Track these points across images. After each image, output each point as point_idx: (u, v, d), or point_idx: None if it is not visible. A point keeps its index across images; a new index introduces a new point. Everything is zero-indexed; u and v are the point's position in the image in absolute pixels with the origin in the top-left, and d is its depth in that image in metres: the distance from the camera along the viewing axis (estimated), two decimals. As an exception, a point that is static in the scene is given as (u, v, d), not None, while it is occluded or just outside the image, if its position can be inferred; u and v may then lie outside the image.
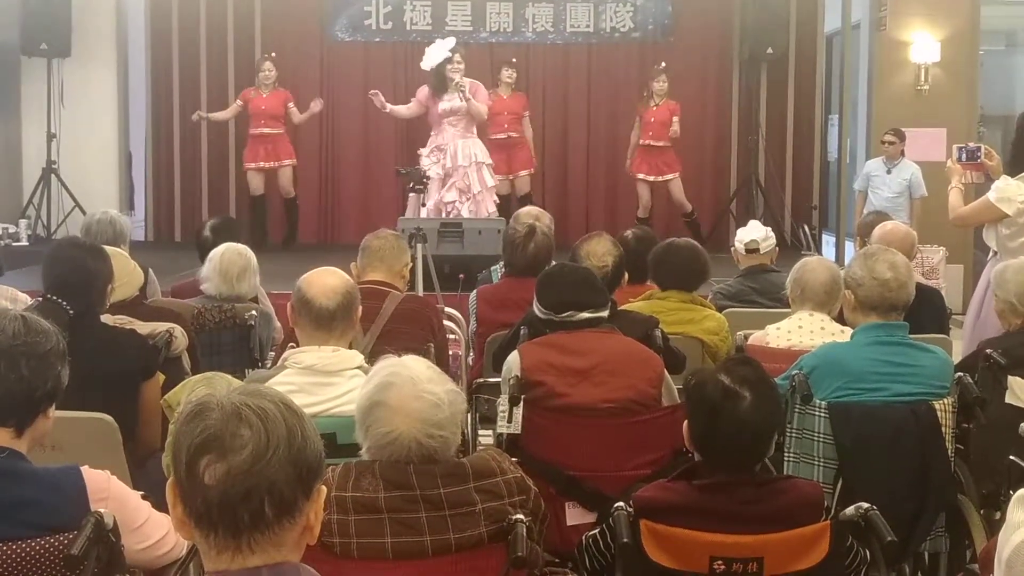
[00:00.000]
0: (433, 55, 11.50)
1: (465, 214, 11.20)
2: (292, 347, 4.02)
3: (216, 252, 5.86)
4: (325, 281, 3.99)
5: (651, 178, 12.68)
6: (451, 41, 11.70)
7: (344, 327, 3.96)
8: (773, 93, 14.09)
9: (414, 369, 2.92)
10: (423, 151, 11.68)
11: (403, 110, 11.96)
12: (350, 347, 4.11)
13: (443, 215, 11.14)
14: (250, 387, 1.96)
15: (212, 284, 5.78)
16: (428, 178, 10.71)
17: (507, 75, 12.44)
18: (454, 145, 11.42)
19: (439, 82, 11.45)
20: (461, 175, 11.41)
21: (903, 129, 11.78)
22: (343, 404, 3.67)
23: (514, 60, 12.71)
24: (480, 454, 3.01)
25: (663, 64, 12.79)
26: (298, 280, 4.05)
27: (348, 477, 2.86)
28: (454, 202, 11.34)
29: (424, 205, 10.66)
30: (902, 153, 11.69)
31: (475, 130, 11.65)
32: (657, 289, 5.66)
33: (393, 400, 2.84)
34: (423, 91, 11.72)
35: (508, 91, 12.43)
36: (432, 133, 11.72)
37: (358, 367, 3.81)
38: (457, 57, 11.43)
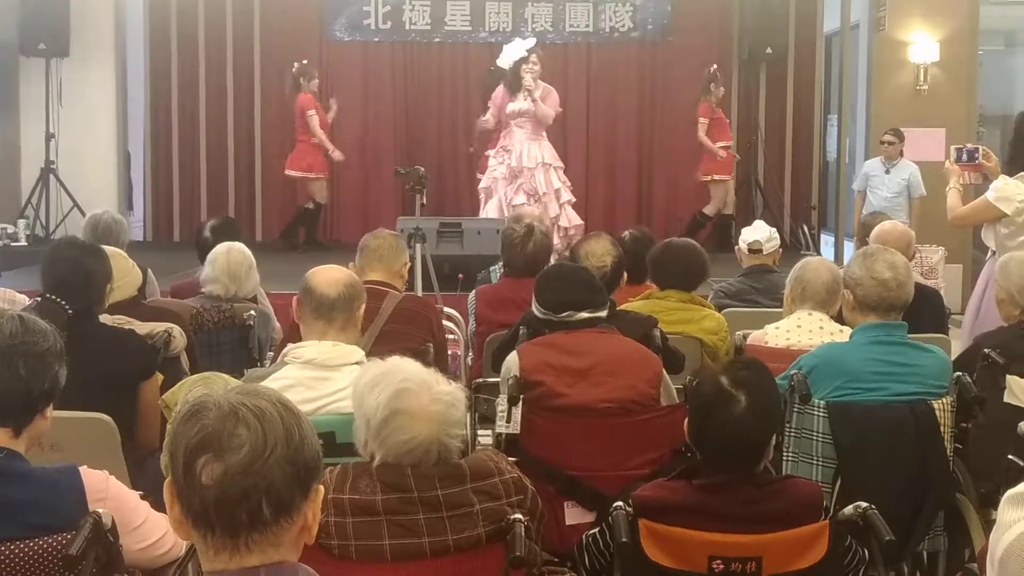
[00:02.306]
0: (510, 53, 11.41)
1: None
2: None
3: (219, 253, 5.85)
4: (329, 273, 4.06)
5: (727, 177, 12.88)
6: (531, 41, 11.61)
7: (345, 319, 3.97)
8: (772, 93, 14.10)
9: (419, 372, 2.92)
10: (490, 151, 11.60)
11: (489, 120, 11.74)
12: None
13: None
14: (247, 387, 1.96)
15: (221, 285, 5.77)
16: (426, 179, 10.67)
17: None
18: (521, 146, 11.34)
19: (515, 81, 11.36)
20: (527, 177, 11.33)
21: (902, 129, 11.78)
22: (342, 400, 3.66)
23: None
24: (477, 455, 3.01)
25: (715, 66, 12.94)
26: (306, 274, 4.10)
27: (345, 479, 2.85)
28: (522, 204, 11.22)
29: (423, 204, 10.64)
30: (901, 153, 11.69)
31: (544, 133, 11.56)
32: (656, 289, 5.66)
33: (413, 406, 2.84)
34: (499, 92, 11.58)
35: None
36: (502, 134, 11.63)
37: (357, 362, 3.81)
38: (534, 58, 11.33)
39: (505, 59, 11.39)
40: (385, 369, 2.93)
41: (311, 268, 4.18)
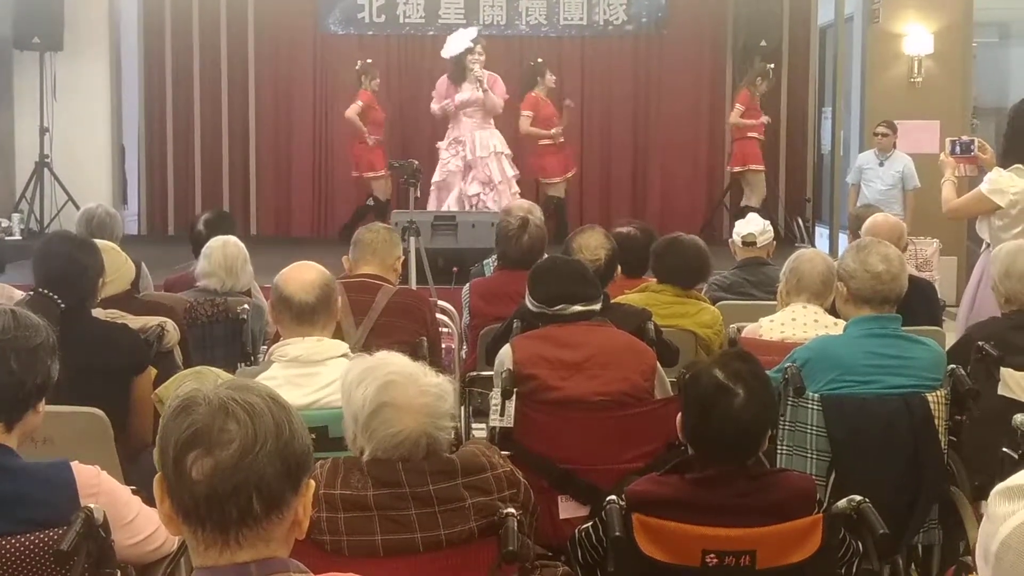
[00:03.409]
0: (454, 44, 11.46)
1: (490, 205, 11.18)
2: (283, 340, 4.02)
3: (214, 247, 5.83)
4: (302, 276, 3.98)
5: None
6: (473, 31, 11.67)
7: (326, 319, 3.96)
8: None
9: (406, 365, 2.91)
10: (441, 144, 11.69)
11: (436, 109, 11.90)
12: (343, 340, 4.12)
13: (468, 208, 11.12)
14: (237, 381, 1.94)
15: (217, 279, 5.76)
16: (420, 172, 10.69)
17: (551, 80, 12.55)
18: (472, 136, 11.39)
19: (458, 72, 11.40)
20: (481, 166, 11.38)
21: (896, 121, 11.77)
22: (331, 394, 3.66)
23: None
24: (469, 449, 3.00)
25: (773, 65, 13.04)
26: (275, 278, 4.04)
27: (336, 474, 2.85)
28: (478, 194, 11.28)
29: (417, 197, 10.65)
30: (894, 145, 11.69)
31: (492, 121, 11.62)
32: (654, 282, 5.65)
33: (399, 399, 2.83)
34: (442, 83, 11.68)
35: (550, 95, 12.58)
36: (450, 125, 11.69)
37: (343, 355, 3.81)
38: (479, 48, 11.39)
39: (449, 50, 11.46)
40: (372, 364, 2.92)
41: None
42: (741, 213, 12.70)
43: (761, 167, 12.89)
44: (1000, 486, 1.68)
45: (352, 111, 12.44)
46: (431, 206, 11.29)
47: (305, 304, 3.90)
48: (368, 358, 2.97)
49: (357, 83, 12.69)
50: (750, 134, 12.78)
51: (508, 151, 11.61)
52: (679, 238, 5.78)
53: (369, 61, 12.85)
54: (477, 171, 11.38)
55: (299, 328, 3.91)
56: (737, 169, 12.99)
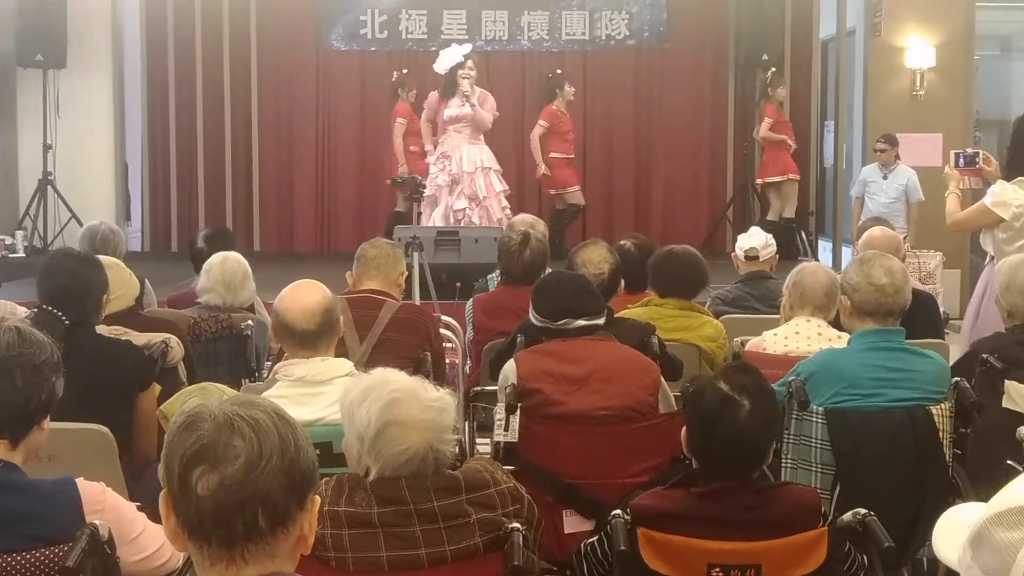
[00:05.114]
0: (447, 58, 11.49)
1: (475, 221, 11.17)
2: (286, 357, 4.02)
3: (214, 263, 5.84)
4: (303, 303, 3.94)
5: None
6: (467, 47, 11.69)
7: (328, 340, 3.95)
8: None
9: (406, 381, 2.91)
10: (430, 158, 11.72)
11: (428, 131, 11.96)
12: (347, 356, 4.12)
13: (452, 223, 11.12)
14: (243, 397, 1.95)
15: (216, 294, 5.77)
16: (423, 186, 10.69)
17: (570, 92, 12.59)
18: (460, 152, 11.40)
19: (449, 86, 11.43)
20: (468, 182, 11.38)
21: (898, 135, 11.76)
22: (336, 412, 3.65)
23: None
24: (472, 465, 2.99)
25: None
26: (276, 300, 4.02)
27: (341, 492, 2.84)
28: (464, 209, 11.29)
29: (420, 213, 10.64)
30: (897, 158, 11.68)
31: (482, 137, 11.63)
32: (655, 296, 5.65)
33: (404, 417, 2.83)
34: (432, 97, 11.71)
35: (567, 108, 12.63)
36: (440, 140, 11.72)
37: (347, 375, 3.81)
38: (470, 63, 11.42)
39: (442, 64, 11.48)
40: (371, 383, 2.91)
41: (306, 277, 4.13)
42: (784, 228, 12.63)
43: (798, 176, 12.89)
44: (991, 513, 1.62)
45: (398, 132, 12.44)
46: (421, 221, 11.29)
47: (307, 332, 3.89)
48: (366, 377, 2.97)
49: (393, 96, 12.66)
50: (785, 139, 12.80)
51: (497, 166, 11.61)
52: (673, 250, 5.79)
53: (405, 72, 12.83)
54: (464, 186, 11.37)
55: (302, 352, 3.91)
56: (771, 179, 12.92)
